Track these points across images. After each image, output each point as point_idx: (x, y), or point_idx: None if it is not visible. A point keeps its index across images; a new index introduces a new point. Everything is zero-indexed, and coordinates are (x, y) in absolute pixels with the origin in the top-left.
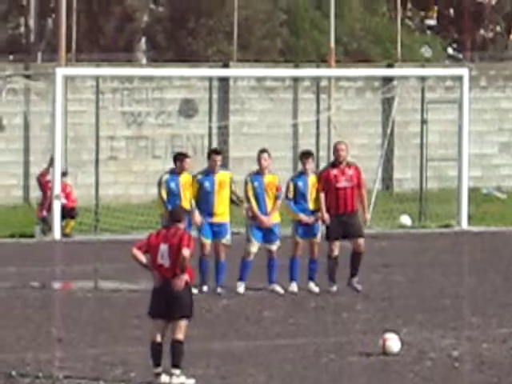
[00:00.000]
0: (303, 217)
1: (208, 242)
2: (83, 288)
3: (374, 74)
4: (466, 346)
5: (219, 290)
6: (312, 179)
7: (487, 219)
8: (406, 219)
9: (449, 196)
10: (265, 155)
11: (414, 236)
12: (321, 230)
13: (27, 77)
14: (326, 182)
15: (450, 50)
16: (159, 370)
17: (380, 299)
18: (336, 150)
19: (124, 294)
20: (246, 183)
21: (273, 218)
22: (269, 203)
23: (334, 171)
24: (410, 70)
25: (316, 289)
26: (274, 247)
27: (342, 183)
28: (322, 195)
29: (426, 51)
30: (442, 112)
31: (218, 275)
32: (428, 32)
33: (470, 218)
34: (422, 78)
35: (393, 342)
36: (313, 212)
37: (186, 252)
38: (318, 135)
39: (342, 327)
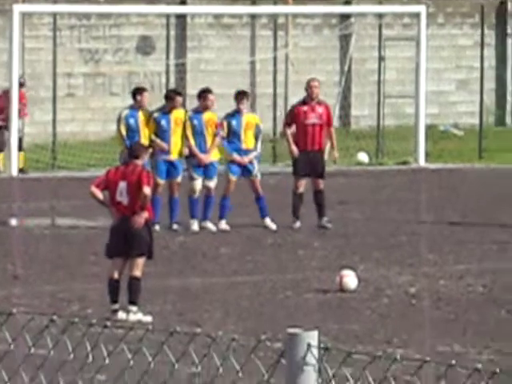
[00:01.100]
0: (236, 157)
1: (162, 182)
2: (40, 225)
3: (332, 10)
4: (423, 283)
5: (175, 226)
6: (246, 118)
7: (444, 156)
8: (363, 156)
9: (406, 133)
10: (211, 96)
11: (371, 173)
12: (258, 168)
13: None
14: (295, 118)
15: None
16: (116, 306)
17: (337, 236)
18: (309, 87)
19: (81, 231)
20: (184, 121)
21: (212, 155)
22: (208, 140)
23: (304, 108)
24: (368, 6)
25: (273, 225)
26: (212, 184)
27: (312, 120)
28: (288, 130)
29: None
30: (400, 49)
31: (172, 212)
32: None
33: (427, 155)
34: (380, 15)
35: (350, 279)
36: (246, 151)
37: (146, 190)
38: (275, 72)
39: (299, 264)
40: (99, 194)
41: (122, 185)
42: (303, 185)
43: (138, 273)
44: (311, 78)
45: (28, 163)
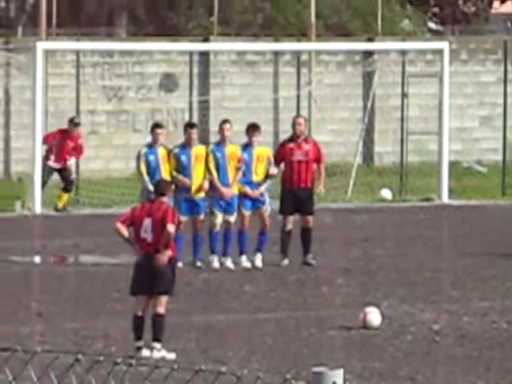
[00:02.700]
0: (248, 190)
1: (184, 219)
2: (64, 262)
3: (355, 47)
4: (447, 320)
5: (199, 263)
6: (257, 151)
7: (468, 193)
8: (386, 193)
9: (429, 170)
10: (227, 125)
11: (394, 210)
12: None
13: (8, 51)
14: (281, 155)
15: (430, 24)
16: (140, 343)
17: (360, 273)
18: (294, 124)
19: (105, 268)
20: (207, 154)
21: (233, 189)
22: (230, 174)
23: (291, 145)
24: (391, 43)
25: (260, 263)
26: (232, 219)
27: (297, 157)
28: (275, 168)
29: (407, 25)
30: (423, 86)
31: (196, 249)
32: (408, 6)
33: (450, 191)
34: (403, 52)
35: (373, 316)
36: (257, 184)
37: (170, 228)
38: (298, 109)
39: (323, 301)
40: (124, 231)
41: (147, 222)
42: (291, 222)
43: (161, 310)
44: (297, 116)
45: (53, 200)
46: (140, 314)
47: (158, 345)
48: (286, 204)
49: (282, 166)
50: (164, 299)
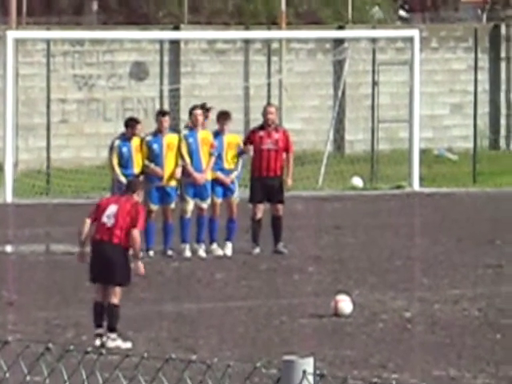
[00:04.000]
0: (220, 175)
1: (155, 208)
2: (35, 251)
3: (325, 35)
4: (418, 307)
5: (169, 252)
6: (228, 138)
7: (438, 180)
8: (357, 181)
9: (400, 157)
10: (198, 111)
11: (365, 198)
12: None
13: None
14: (250, 141)
15: (400, 12)
16: (100, 331)
17: (332, 261)
18: (266, 113)
19: (76, 258)
20: (180, 140)
21: (206, 175)
22: (203, 159)
23: (261, 133)
24: (361, 31)
25: (229, 252)
26: (205, 205)
27: (267, 145)
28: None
29: (377, 13)
30: (393, 73)
31: (166, 238)
32: None
33: (421, 179)
34: (373, 40)
35: (345, 304)
36: (228, 171)
37: (135, 233)
38: (269, 97)
39: (294, 289)
40: (86, 227)
41: (113, 208)
42: (261, 210)
43: (115, 300)
44: (268, 104)
45: (23, 188)
46: (99, 300)
47: (112, 334)
48: (255, 192)
49: (251, 151)
50: (118, 290)
